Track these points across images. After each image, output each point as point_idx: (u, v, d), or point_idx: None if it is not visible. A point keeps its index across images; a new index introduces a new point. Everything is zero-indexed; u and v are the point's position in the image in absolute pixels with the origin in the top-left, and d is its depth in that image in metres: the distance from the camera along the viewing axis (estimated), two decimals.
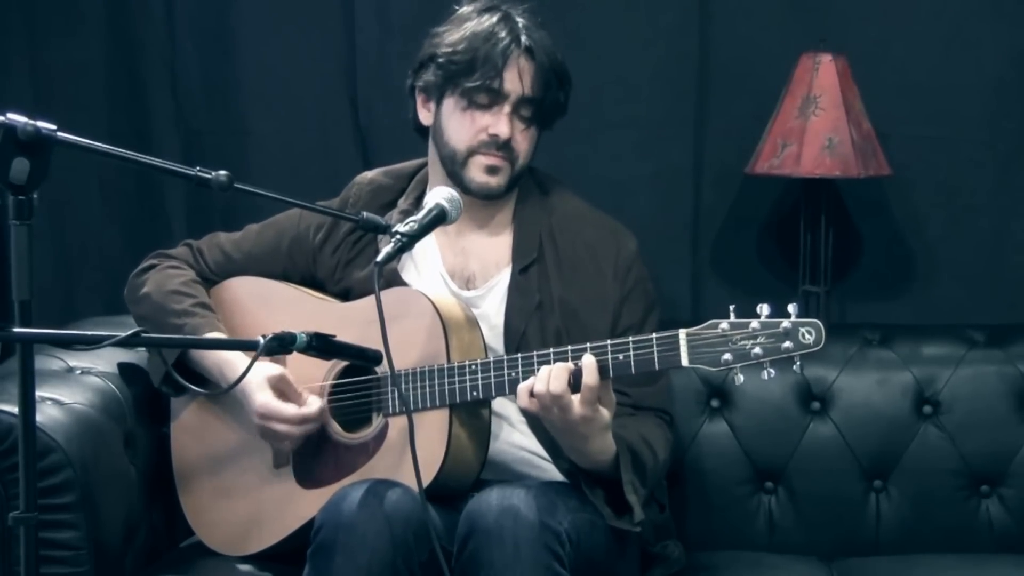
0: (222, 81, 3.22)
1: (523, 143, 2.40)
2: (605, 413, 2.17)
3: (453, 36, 2.38)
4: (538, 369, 2.15)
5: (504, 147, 2.37)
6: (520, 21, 2.39)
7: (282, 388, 2.33)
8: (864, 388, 2.80)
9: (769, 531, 2.79)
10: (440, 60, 2.38)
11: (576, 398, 2.12)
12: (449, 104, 2.40)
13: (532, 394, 2.14)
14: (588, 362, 2.12)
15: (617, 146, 3.14)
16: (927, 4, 3.09)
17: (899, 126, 3.06)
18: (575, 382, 2.12)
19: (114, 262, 3.18)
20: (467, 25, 2.38)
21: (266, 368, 2.33)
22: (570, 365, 2.13)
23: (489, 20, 2.38)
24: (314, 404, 2.32)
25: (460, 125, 2.39)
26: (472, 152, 2.38)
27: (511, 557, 2.08)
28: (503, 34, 2.36)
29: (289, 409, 2.31)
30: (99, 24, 3.23)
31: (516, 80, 2.36)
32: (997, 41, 3.07)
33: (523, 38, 2.37)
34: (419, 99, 2.46)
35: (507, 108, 2.37)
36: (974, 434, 2.77)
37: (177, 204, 3.25)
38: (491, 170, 2.38)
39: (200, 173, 1.95)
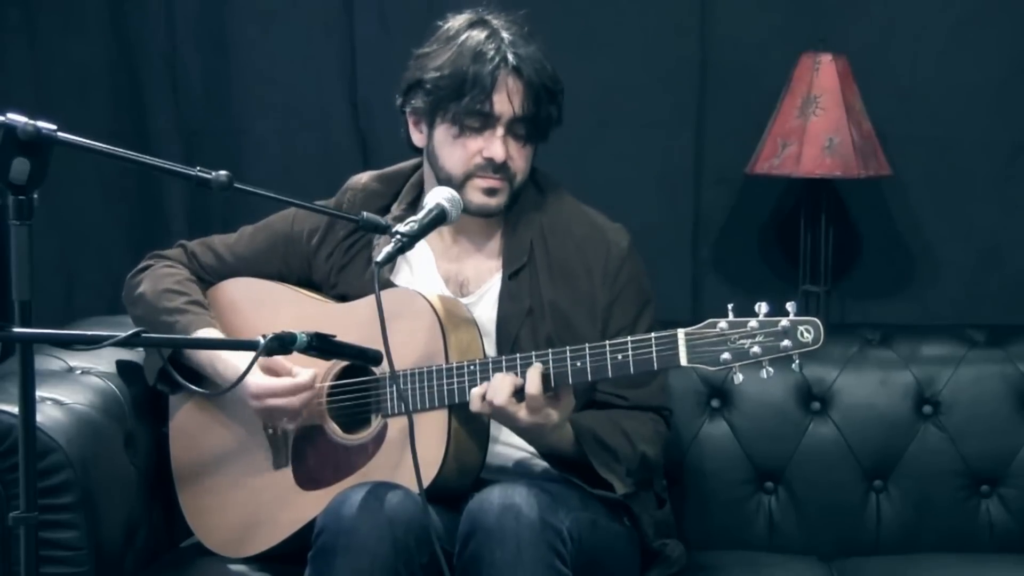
0: (222, 81, 3.23)
1: (520, 160, 2.36)
2: (554, 415, 2.19)
3: (438, 59, 2.33)
4: None
5: (501, 168, 2.34)
6: (506, 36, 2.33)
7: (272, 367, 2.33)
8: (864, 388, 2.80)
9: (769, 531, 2.79)
10: (427, 86, 2.33)
11: (522, 406, 2.16)
12: (441, 130, 2.35)
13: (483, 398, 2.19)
14: (530, 373, 2.15)
15: (617, 146, 3.14)
16: (927, 4, 3.09)
17: (899, 126, 3.06)
18: (520, 393, 2.16)
19: (114, 262, 3.17)
20: (452, 45, 2.33)
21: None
22: (517, 379, 2.16)
23: (474, 38, 2.32)
24: (305, 373, 2.31)
25: (454, 151, 2.34)
26: (469, 176, 2.34)
27: (513, 556, 2.08)
28: (490, 54, 2.30)
29: (281, 382, 2.31)
30: (100, 24, 3.23)
31: (506, 101, 2.31)
32: (997, 42, 3.07)
33: (510, 56, 2.30)
34: (410, 121, 2.42)
35: (500, 131, 2.32)
36: (974, 434, 2.76)
37: (177, 204, 3.25)
38: (490, 192, 2.35)
39: (200, 173, 1.95)
